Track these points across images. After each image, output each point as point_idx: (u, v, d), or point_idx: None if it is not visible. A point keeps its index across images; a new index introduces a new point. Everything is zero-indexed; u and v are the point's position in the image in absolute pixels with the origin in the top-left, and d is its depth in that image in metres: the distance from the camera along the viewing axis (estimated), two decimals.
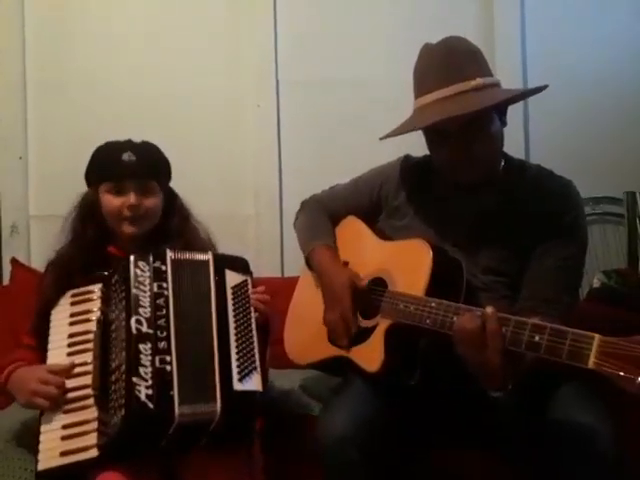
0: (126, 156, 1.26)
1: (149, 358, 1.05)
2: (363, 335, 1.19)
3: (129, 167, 1.26)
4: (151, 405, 1.01)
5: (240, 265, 1.24)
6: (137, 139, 1.35)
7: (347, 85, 2.08)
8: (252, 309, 1.19)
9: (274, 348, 1.34)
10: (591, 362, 0.82)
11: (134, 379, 1.02)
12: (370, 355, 1.15)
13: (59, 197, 1.95)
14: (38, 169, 2.08)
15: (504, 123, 1.22)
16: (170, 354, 1.06)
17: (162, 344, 1.07)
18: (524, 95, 1.31)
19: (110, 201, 1.27)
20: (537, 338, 0.89)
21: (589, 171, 1.97)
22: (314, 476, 1.13)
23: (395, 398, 1.13)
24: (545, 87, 1.20)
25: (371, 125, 1.96)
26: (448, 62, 1.15)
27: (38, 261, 1.81)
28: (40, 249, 1.96)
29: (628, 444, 1.03)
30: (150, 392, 1.02)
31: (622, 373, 0.78)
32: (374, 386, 1.14)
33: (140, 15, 2.09)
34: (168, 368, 1.05)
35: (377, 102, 2.04)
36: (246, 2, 2.07)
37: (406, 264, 1.19)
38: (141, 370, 1.03)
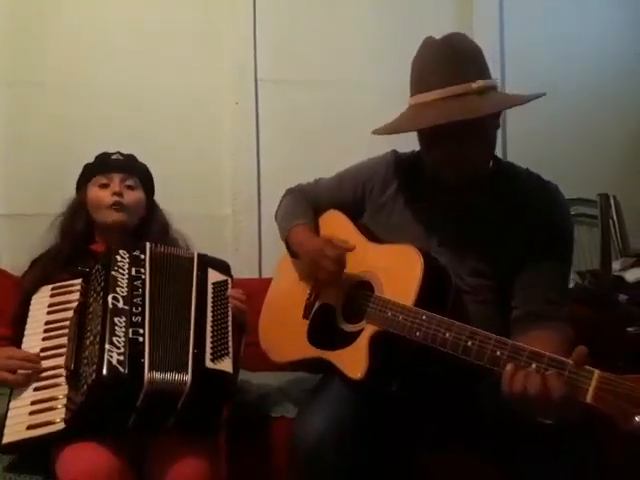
0: (114, 156, 1.44)
1: (123, 330, 1.09)
2: (346, 339, 1.17)
3: (116, 162, 1.42)
4: (122, 369, 1.04)
5: (222, 266, 1.32)
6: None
7: (326, 84, 2.07)
8: (230, 307, 1.24)
9: (250, 349, 1.33)
10: (589, 397, 0.82)
11: (107, 346, 1.06)
12: (353, 361, 1.13)
13: (28, 196, 1.95)
14: (7, 168, 2.00)
15: (498, 125, 1.20)
16: (143, 327, 1.11)
17: (136, 319, 1.12)
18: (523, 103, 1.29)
19: (96, 193, 1.39)
20: (534, 366, 0.89)
21: (564, 173, 1.96)
22: (287, 477, 1.13)
23: (373, 400, 1.12)
24: (543, 94, 1.18)
25: (350, 125, 1.97)
26: (450, 61, 1.11)
27: (6, 260, 1.77)
28: (8, 248, 1.90)
29: (606, 440, 1.04)
30: (122, 358, 1.06)
31: (619, 411, 0.78)
32: (353, 388, 1.13)
33: (116, 12, 2.04)
34: (140, 339, 1.10)
35: (356, 102, 2.04)
36: None
37: (395, 271, 1.17)
38: (114, 339, 1.07)
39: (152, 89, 2.04)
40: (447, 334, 1.00)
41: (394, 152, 1.35)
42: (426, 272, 1.11)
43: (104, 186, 1.39)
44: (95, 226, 1.41)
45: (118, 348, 1.06)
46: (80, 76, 2.02)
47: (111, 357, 1.04)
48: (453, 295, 1.11)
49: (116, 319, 1.10)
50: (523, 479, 1.05)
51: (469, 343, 0.98)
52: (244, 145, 2.05)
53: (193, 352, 1.12)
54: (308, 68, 2.08)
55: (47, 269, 1.31)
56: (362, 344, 1.13)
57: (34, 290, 1.26)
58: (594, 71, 2.09)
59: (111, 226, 1.37)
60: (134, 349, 1.07)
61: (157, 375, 1.07)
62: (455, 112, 1.08)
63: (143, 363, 1.06)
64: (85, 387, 1.05)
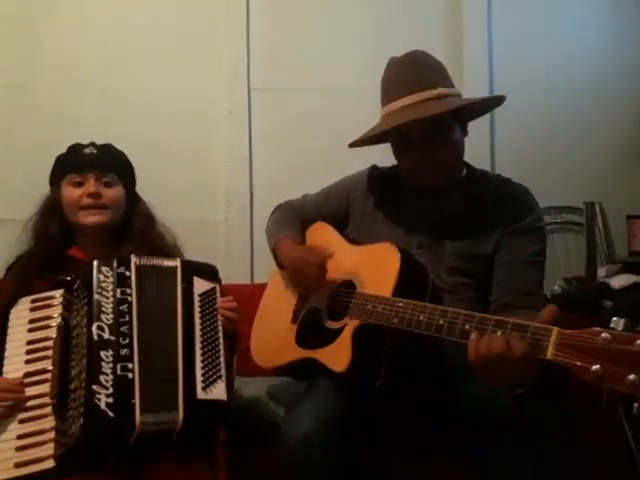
0: (87, 150, 1.31)
1: (110, 365, 1.03)
2: (331, 336, 1.20)
3: (90, 158, 1.29)
4: (111, 414, 0.99)
5: (209, 272, 1.24)
6: (102, 142, 1.36)
7: (319, 92, 2.09)
8: (219, 317, 1.19)
9: (241, 355, 1.33)
10: (549, 353, 0.85)
11: (94, 387, 1.00)
12: (337, 355, 1.15)
13: (20, 201, 1.91)
14: None
15: (465, 133, 1.27)
16: (132, 361, 1.05)
17: (124, 351, 1.05)
18: (483, 105, 1.33)
19: (71, 192, 1.27)
20: (499, 333, 0.92)
21: (551, 182, 2.04)
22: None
23: (360, 398, 1.14)
24: (503, 97, 1.26)
25: (341, 133, 1.97)
26: (412, 72, 1.21)
27: None
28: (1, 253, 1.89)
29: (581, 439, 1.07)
30: (110, 400, 1.00)
31: (578, 362, 0.81)
32: (339, 387, 1.15)
33: (111, 18, 2.06)
34: (130, 376, 1.04)
35: (348, 110, 2.06)
36: (219, 8, 2.07)
37: (374, 267, 1.22)
38: (101, 378, 1.01)
39: (146, 97, 2.05)
40: (421, 316, 1.04)
41: (374, 166, 1.43)
42: (403, 264, 1.15)
43: (78, 184, 1.27)
44: (72, 227, 1.30)
45: (106, 389, 1.00)
46: (73, 81, 2.03)
47: (99, 400, 0.99)
48: (431, 288, 1.14)
49: (102, 353, 1.03)
50: (503, 465, 1.07)
51: (441, 321, 1.01)
52: (237, 152, 2.07)
53: (183, 384, 1.07)
54: (301, 76, 2.10)
55: (22, 278, 1.22)
56: (345, 338, 1.16)
57: (11, 303, 1.18)
58: (581, 84, 2.12)
59: (90, 228, 1.27)
60: (123, 389, 1.02)
61: (149, 417, 1.02)
62: (413, 114, 1.16)
63: (134, 405, 1.01)
64: (73, 429, 1.01)
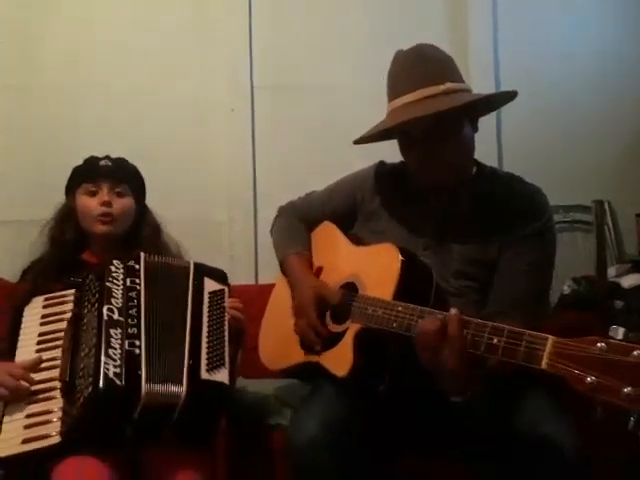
0: (103, 162, 1.41)
1: (119, 342, 1.09)
2: (333, 340, 1.19)
3: (104, 169, 1.40)
4: (119, 382, 1.04)
5: (219, 275, 1.30)
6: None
7: (322, 90, 2.08)
8: (227, 316, 1.23)
9: (248, 355, 1.34)
10: (544, 363, 0.83)
11: (103, 358, 1.05)
12: (339, 360, 1.15)
13: (22, 202, 1.95)
14: (2, 173, 2.01)
15: (475, 129, 1.23)
16: (139, 338, 1.11)
17: (132, 330, 1.11)
18: (495, 101, 1.31)
19: (85, 201, 1.37)
20: (495, 340, 0.90)
21: (560, 180, 2.01)
22: None
23: (365, 402, 1.14)
24: (515, 93, 1.22)
25: (345, 130, 1.96)
26: (418, 67, 1.18)
27: (2, 267, 1.77)
28: (5, 255, 1.87)
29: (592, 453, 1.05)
30: (118, 370, 1.05)
31: (572, 373, 0.79)
32: (344, 391, 1.14)
33: (108, 16, 2.06)
34: (137, 351, 1.09)
35: (353, 107, 2.03)
36: (221, 5, 2.06)
37: (376, 268, 1.20)
38: (110, 351, 1.07)
39: (148, 95, 2.04)
40: (419, 321, 1.02)
41: (381, 162, 1.39)
42: (404, 265, 1.13)
43: (92, 194, 1.37)
44: (85, 233, 1.40)
45: (114, 360, 1.05)
46: (73, 81, 2.03)
47: (107, 370, 1.04)
48: (435, 289, 1.12)
49: (112, 331, 1.09)
50: (504, 466, 1.06)
51: None
52: (240, 151, 2.06)
53: (188, 363, 1.12)
54: (304, 74, 2.08)
55: (38, 282, 1.30)
56: (347, 343, 1.15)
57: (26, 302, 1.26)
58: (589, 80, 2.09)
59: (100, 236, 1.37)
60: (131, 361, 1.07)
61: (154, 387, 1.07)
62: (418, 111, 1.12)
63: (140, 375, 1.06)
64: (81, 400, 1.05)
